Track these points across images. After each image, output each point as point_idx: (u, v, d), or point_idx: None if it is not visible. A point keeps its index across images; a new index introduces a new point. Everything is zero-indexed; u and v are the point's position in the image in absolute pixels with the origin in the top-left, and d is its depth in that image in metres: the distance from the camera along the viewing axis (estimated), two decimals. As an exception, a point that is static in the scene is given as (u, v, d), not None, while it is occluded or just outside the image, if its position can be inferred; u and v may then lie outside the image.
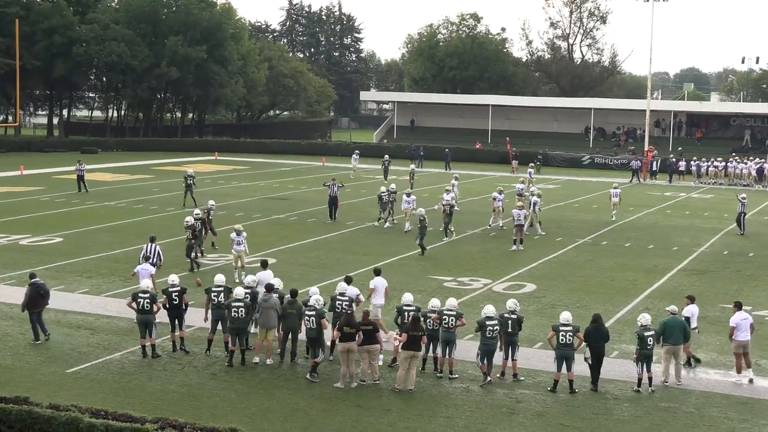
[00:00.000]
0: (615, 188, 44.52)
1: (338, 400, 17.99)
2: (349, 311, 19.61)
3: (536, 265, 31.78)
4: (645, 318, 19.06)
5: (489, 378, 19.03)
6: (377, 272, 22.59)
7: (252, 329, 20.98)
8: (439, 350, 19.51)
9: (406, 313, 19.62)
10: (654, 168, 65.53)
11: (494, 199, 39.96)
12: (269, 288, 20.38)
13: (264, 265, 23.27)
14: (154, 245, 25.81)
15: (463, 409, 17.61)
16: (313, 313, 19.29)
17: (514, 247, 34.44)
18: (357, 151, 68.44)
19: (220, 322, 20.63)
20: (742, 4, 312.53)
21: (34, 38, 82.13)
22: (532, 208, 37.90)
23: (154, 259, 25.39)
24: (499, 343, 19.21)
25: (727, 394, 18.81)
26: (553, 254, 33.97)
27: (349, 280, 21.52)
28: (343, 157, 78.62)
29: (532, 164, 51.06)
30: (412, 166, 59.11)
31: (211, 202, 34.98)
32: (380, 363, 19.30)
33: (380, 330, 19.69)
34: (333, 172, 64.74)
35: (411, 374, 18.58)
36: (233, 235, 28.13)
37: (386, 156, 62.05)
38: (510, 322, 19.25)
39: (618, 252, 34.95)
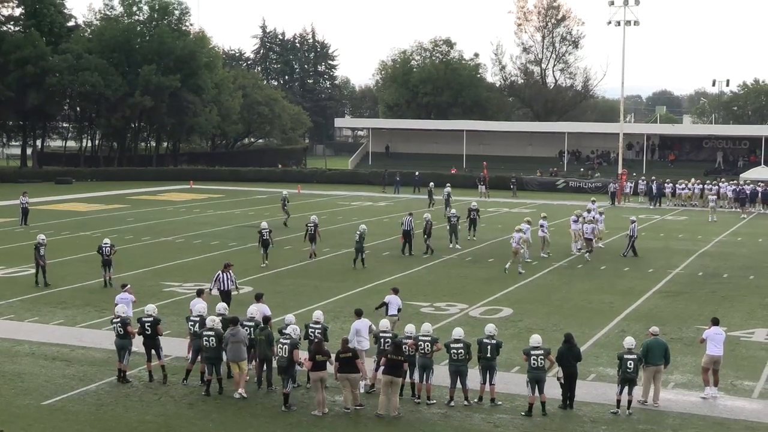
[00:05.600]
0: (713, 196, 57.19)
1: (316, 427, 17.91)
2: (316, 340, 19.53)
3: (513, 290, 31.87)
4: (628, 341, 19.23)
5: (452, 401, 19.20)
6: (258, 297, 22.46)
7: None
8: (416, 376, 19.49)
9: (382, 340, 19.63)
10: (640, 191, 65.55)
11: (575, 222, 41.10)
12: (235, 321, 19.87)
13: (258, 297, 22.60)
14: (227, 273, 26.30)
15: (441, 435, 17.59)
16: (288, 342, 19.07)
17: (587, 256, 38.46)
18: (432, 183, 63.16)
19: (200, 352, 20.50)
20: (712, 28, 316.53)
21: (6, 69, 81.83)
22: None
23: (228, 285, 26.06)
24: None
25: (703, 416, 18.88)
26: (530, 278, 34.08)
27: (360, 313, 21.02)
28: (319, 184, 78.62)
29: (594, 199, 51.26)
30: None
31: (314, 217, 38.57)
32: (362, 390, 19.22)
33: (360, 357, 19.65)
34: (310, 200, 64.81)
35: (393, 401, 18.50)
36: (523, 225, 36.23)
37: (431, 183, 62.58)
38: (489, 347, 19.29)
39: (594, 275, 35.11)
